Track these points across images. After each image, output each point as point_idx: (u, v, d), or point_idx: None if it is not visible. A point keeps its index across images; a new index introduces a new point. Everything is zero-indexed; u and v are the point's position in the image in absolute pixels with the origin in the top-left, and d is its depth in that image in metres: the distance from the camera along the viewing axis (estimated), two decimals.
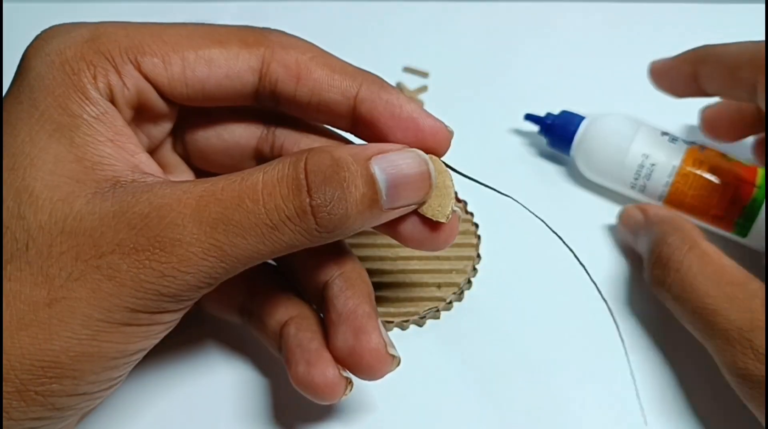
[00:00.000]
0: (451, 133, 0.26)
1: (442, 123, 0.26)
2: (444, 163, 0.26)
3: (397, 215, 0.24)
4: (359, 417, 0.30)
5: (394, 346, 0.26)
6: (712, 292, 0.28)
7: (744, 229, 0.34)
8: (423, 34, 0.49)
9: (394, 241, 0.35)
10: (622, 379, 0.32)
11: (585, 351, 0.33)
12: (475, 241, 0.36)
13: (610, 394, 0.31)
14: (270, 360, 0.32)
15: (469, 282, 0.35)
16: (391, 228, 0.26)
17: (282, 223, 0.22)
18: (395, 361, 0.26)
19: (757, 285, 0.28)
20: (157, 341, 0.24)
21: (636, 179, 0.36)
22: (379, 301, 0.33)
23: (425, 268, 0.34)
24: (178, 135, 0.28)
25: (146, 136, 0.26)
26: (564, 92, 0.45)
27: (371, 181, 0.23)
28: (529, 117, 0.40)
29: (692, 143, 0.36)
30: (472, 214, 0.37)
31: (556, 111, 0.40)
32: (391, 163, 0.24)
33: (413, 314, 0.33)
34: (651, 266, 0.31)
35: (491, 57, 0.48)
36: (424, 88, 0.45)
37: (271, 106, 0.26)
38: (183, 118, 0.27)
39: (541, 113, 0.40)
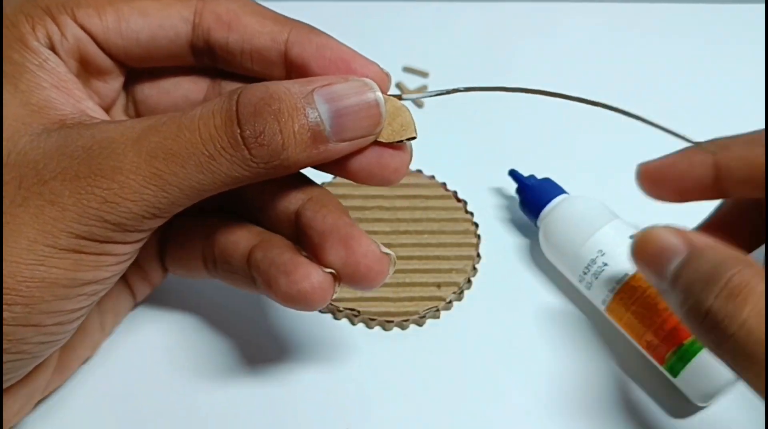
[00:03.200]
0: (387, 75, 0.25)
1: (376, 65, 0.25)
2: (398, 96, 0.25)
3: (351, 149, 0.24)
4: (359, 416, 0.30)
5: (384, 246, 0.26)
6: None
7: (675, 369, 0.30)
8: (423, 34, 0.49)
9: (393, 241, 0.35)
10: (624, 377, 0.32)
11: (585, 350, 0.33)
12: (475, 240, 0.36)
13: (611, 392, 0.31)
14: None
15: (469, 282, 0.35)
16: (341, 163, 0.25)
17: (218, 153, 0.22)
18: (391, 259, 0.25)
19: None
20: (110, 276, 0.24)
21: (585, 274, 0.32)
22: (379, 300, 0.33)
23: (425, 268, 0.34)
24: (128, 96, 0.28)
25: (96, 94, 0.27)
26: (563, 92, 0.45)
27: (311, 111, 0.23)
28: (513, 173, 0.36)
29: None
30: (472, 214, 0.37)
31: (552, 115, 0.40)
32: (334, 94, 0.23)
33: (413, 314, 0.33)
34: (713, 298, 0.23)
35: (491, 57, 0.47)
36: (424, 88, 0.45)
37: (209, 62, 0.27)
38: (132, 78, 0.28)
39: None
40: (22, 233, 0.22)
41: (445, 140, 0.42)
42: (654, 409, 0.31)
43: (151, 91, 0.28)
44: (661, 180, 0.29)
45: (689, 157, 0.28)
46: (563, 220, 0.33)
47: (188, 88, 0.28)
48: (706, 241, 0.25)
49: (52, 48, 0.25)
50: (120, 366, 0.31)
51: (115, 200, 0.22)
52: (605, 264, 0.31)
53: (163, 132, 0.22)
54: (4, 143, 0.23)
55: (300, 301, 0.25)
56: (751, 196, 0.28)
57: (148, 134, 0.22)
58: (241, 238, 0.27)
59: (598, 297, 0.32)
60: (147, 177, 0.22)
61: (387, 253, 0.25)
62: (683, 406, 0.31)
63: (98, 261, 0.23)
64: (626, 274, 0.31)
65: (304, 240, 0.26)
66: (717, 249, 0.24)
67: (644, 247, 0.26)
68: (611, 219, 0.33)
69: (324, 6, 0.51)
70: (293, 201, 0.26)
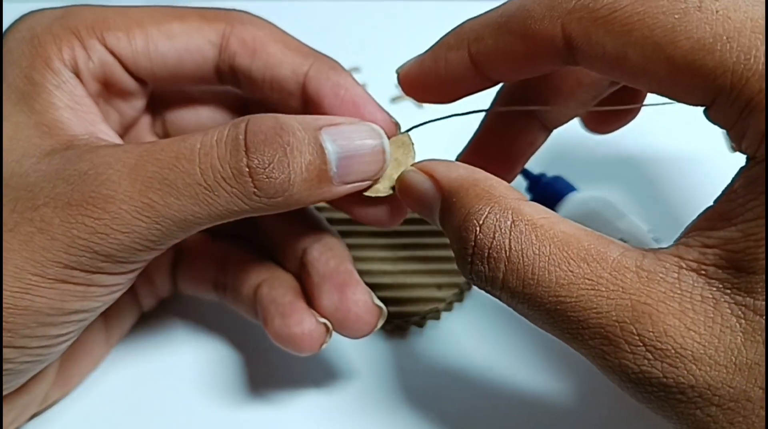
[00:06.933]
0: (395, 124, 0.26)
1: (386, 113, 0.25)
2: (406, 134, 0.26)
3: (349, 191, 0.24)
4: (359, 418, 0.30)
5: (378, 299, 0.27)
6: (564, 278, 0.20)
7: None
8: (423, 34, 0.49)
9: (394, 242, 0.35)
10: None
11: None
12: None
13: (618, 394, 0.31)
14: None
15: (469, 282, 0.35)
16: (346, 203, 0.26)
17: (217, 185, 0.21)
18: (382, 312, 0.26)
19: (619, 251, 0.20)
20: (100, 305, 0.24)
21: None
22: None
23: (425, 269, 0.34)
24: (157, 115, 0.29)
25: (117, 112, 0.27)
26: None
27: (320, 149, 0.22)
28: (523, 171, 0.36)
29: None
30: None
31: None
32: (343, 135, 0.23)
33: (413, 314, 0.33)
34: (469, 263, 0.22)
35: None
36: None
37: (233, 84, 0.27)
38: (160, 98, 0.28)
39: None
40: (9, 260, 0.21)
41: (450, 138, 0.42)
42: None
43: (179, 111, 0.28)
44: (424, 87, 0.26)
45: (444, 59, 0.25)
46: (575, 219, 0.33)
47: (213, 113, 0.28)
48: (456, 175, 0.23)
49: (76, 69, 0.24)
50: (120, 380, 0.31)
51: (105, 231, 0.21)
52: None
53: (161, 160, 0.22)
54: (12, 164, 0.22)
55: (289, 343, 0.26)
56: (509, 78, 0.26)
57: (145, 162, 0.22)
58: (252, 271, 0.28)
59: None
60: (139, 208, 0.21)
61: (379, 306, 0.26)
62: None
63: (87, 291, 0.22)
64: None
65: (305, 277, 0.27)
66: (461, 191, 0.22)
67: (406, 196, 0.25)
68: (622, 216, 0.33)
69: (324, 6, 0.51)
70: (303, 241, 0.27)
